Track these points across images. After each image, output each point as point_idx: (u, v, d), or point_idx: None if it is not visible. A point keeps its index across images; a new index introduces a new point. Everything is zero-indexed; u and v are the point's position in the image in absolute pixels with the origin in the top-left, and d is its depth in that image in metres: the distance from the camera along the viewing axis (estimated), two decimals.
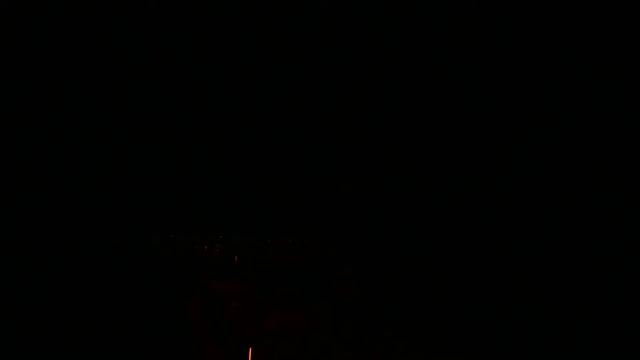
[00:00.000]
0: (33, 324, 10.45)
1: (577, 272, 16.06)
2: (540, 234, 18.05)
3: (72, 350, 8.56)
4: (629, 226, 16.41)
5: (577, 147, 18.12)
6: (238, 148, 26.33)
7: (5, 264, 17.41)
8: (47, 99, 20.60)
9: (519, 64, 18.79)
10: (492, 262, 17.75)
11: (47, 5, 18.81)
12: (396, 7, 18.67)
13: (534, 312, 12.14)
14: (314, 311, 12.62)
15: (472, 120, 19.77)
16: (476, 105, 19.58)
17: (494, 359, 8.61)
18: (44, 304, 12.50)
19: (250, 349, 8.50)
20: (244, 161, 27.19)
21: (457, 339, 9.90)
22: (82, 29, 19.89)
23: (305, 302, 14.09)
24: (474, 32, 18.81)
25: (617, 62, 17.25)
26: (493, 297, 14.30)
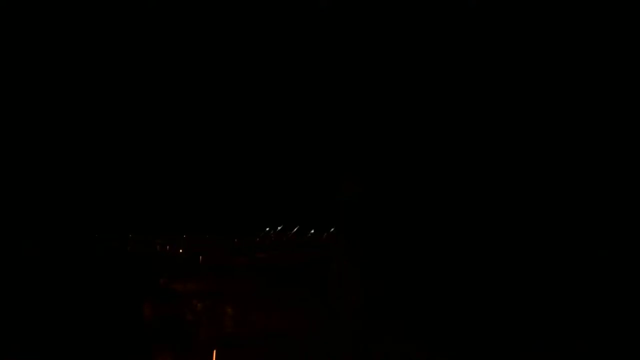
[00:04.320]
0: (30, 324, 10.44)
1: (577, 272, 16.07)
2: (540, 234, 18.06)
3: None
4: (629, 226, 16.42)
5: (577, 146, 18.13)
6: (238, 148, 26.35)
7: (4, 263, 17.41)
8: (47, 98, 20.61)
9: (519, 64, 18.81)
10: (492, 262, 17.75)
11: (47, 5, 18.83)
12: (396, 7, 18.71)
13: (534, 312, 12.14)
14: (314, 311, 12.60)
15: (472, 120, 19.79)
16: (476, 105, 19.60)
17: (493, 359, 8.61)
18: (38, 304, 12.46)
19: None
20: (244, 161, 27.23)
21: (457, 339, 9.89)
22: (82, 28, 19.90)
23: (305, 302, 14.08)
24: (473, 31, 18.84)
25: (617, 61, 17.26)
26: (493, 297, 14.29)
